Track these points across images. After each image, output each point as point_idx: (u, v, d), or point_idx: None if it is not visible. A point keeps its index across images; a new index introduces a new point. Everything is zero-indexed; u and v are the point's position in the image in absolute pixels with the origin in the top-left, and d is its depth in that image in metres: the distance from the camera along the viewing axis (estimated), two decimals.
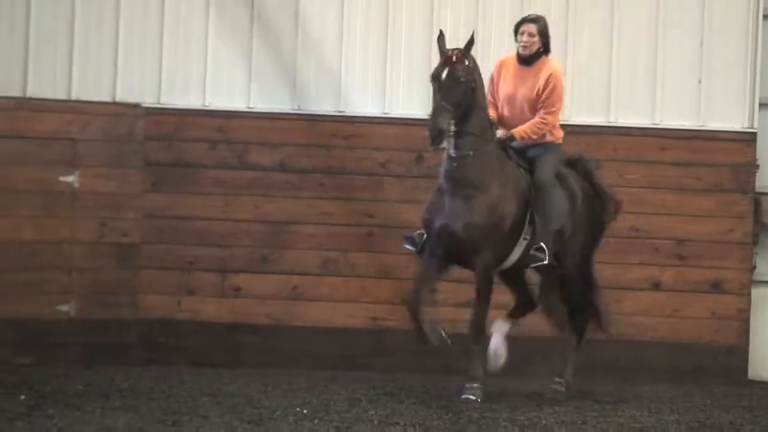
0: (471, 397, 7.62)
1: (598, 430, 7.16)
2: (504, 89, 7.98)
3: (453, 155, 7.66)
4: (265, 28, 9.90)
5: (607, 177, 9.14)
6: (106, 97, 9.73)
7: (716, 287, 9.23)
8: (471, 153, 7.67)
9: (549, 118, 7.96)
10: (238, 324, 9.18)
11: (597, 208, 8.42)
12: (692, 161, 9.38)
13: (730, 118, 9.50)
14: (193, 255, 9.27)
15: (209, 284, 9.23)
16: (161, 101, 9.78)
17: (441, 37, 7.75)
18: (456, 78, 7.59)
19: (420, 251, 7.96)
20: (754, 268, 9.20)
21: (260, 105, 9.74)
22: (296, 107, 9.71)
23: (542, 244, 7.90)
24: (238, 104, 9.76)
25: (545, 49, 8.04)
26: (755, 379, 9.08)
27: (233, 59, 9.88)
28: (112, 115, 9.58)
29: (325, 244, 9.69)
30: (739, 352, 9.05)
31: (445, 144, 7.62)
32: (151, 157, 9.49)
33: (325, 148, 9.82)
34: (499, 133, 7.89)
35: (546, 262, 7.88)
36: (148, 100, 9.75)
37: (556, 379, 8.10)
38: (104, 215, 9.31)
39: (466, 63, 7.68)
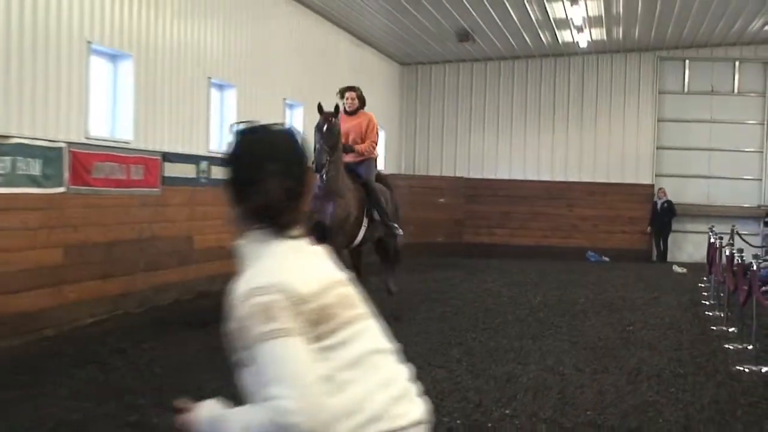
0: None
1: None
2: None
3: (327, 177, 9.63)
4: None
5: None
6: (449, 173, 17.24)
7: None
8: (334, 174, 9.71)
9: (374, 144, 10.41)
10: None
11: (394, 198, 11.00)
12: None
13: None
14: None
15: None
16: (470, 173, 16.24)
17: (320, 105, 9.85)
18: (332, 129, 9.67)
19: None
20: None
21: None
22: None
23: (393, 224, 10.35)
24: (519, 175, 17.88)
25: (362, 106, 10.49)
26: None
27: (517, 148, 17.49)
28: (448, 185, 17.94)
29: None
30: None
31: (323, 171, 9.56)
32: None
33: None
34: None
35: (401, 232, 10.53)
36: (471, 174, 16.70)
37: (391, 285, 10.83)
38: None
39: (336, 120, 9.81)
